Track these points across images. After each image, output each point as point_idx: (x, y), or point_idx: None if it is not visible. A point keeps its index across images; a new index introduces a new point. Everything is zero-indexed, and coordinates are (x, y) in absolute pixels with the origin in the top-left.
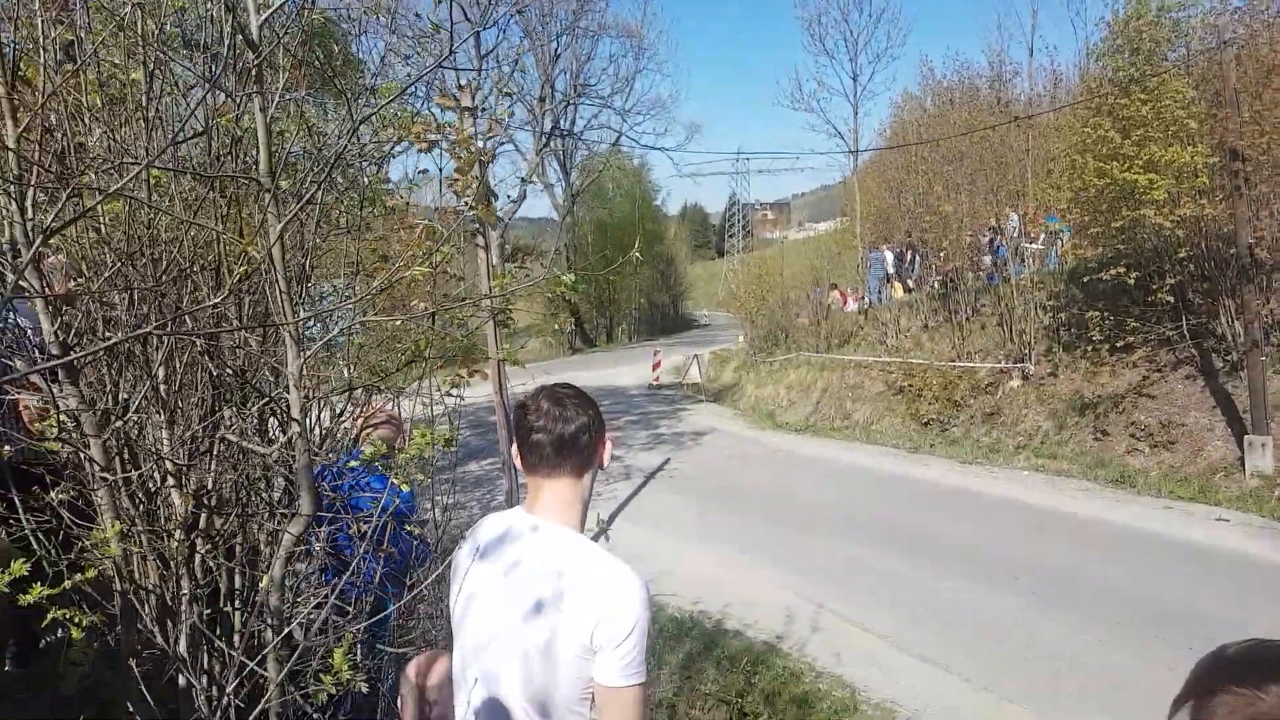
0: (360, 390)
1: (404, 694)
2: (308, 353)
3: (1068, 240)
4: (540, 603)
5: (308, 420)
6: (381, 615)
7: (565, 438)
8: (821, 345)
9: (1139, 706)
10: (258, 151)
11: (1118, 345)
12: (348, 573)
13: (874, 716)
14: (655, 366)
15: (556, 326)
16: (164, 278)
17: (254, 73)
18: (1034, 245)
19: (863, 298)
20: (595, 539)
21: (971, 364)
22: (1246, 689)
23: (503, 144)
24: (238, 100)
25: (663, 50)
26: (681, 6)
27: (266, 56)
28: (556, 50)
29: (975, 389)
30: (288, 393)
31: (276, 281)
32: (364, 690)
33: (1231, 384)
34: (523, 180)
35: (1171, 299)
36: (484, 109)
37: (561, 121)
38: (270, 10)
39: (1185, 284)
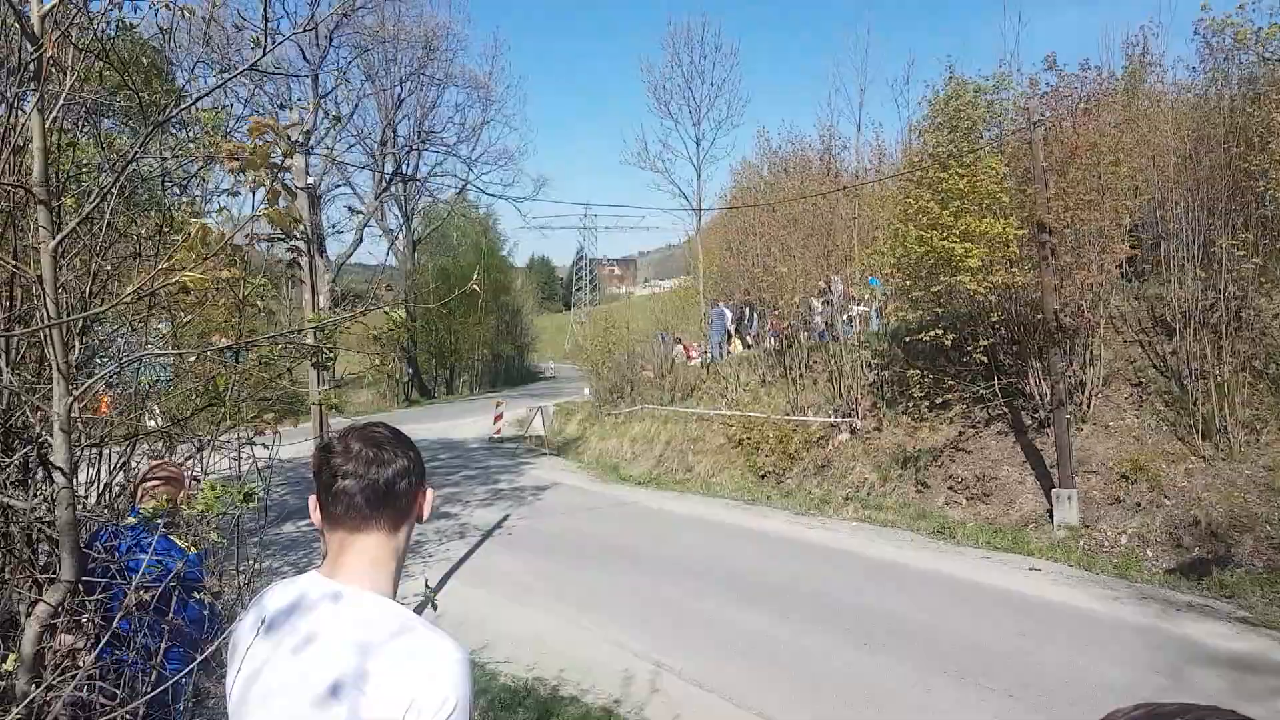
0: (146, 439)
1: None
2: (78, 391)
3: (886, 302)
4: (337, 685)
5: (74, 470)
6: (152, 695)
7: (380, 485)
8: (666, 398)
9: None
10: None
11: (936, 401)
12: (121, 648)
13: None
14: (497, 419)
15: (389, 375)
16: None
17: (32, 68)
18: (859, 306)
19: (705, 352)
20: (420, 610)
21: (804, 418)
22: None
23: (338, 185)
24: (11, 100)
25: (510, 104)
26: (530, 63)
27: (48, 53)
28: (400, 95)
29: (808, 442)
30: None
31: (45, 308)
32: None
33: (1039, 440)
34: (351, 210)
35: (985, 359)
36: (314, 148)
37: (404, 166)
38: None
39: (997, 345)
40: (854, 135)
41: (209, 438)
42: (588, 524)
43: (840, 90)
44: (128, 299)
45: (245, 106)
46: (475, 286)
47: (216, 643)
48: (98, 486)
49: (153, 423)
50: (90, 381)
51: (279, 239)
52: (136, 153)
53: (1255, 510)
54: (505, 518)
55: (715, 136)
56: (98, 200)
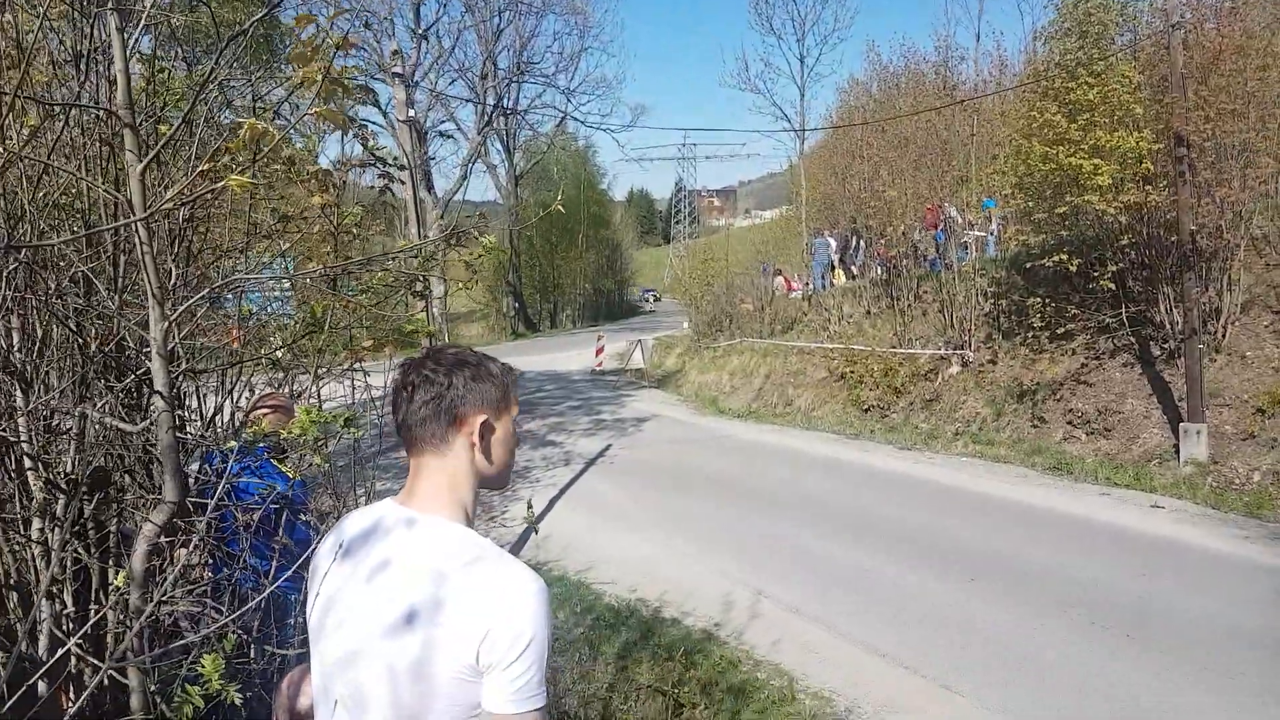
0: (252, 366)
1: (276, 712)
2: (174, 315)
3: (1006, 225)
4: (412, 612)
5: (174, 395)
6: (261, 608)
7: (442, 406)
8: (765, 331)
9: (1075, 692)
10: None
11: (1057, 332)
12: (231, 567)
13: (811, 706)
14: (598, 352)
15: (496, 309)
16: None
17: None
18: (974, 231)
19: (807, 284)
20: (524, 535)
21: (912, 350)
22: None
23: (443, 121)
24: (91, 20)
25: (608, 30)
26: None
27: None
28: (499, 26)
29: (915, 375)
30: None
31: (136, 231)
32: (237, 702)
33: (1168, 372)
34: (443, 134)
35: (1112, 286)
36: (419, 82)
37: (505, 100)
38: None
39: (1126, 271)
40: (972, 46)
41: (310, 366)
42: (687, 455)
43: None
44: (167, 205)
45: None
46: (560, 207)
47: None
48: (202, 414)
49: (278, 353)
50: (184, 307)
51: (369, 164)
52: (213, 70)
53: None
54: (607, 447)
55: (820, 52)
56: (181, 122)
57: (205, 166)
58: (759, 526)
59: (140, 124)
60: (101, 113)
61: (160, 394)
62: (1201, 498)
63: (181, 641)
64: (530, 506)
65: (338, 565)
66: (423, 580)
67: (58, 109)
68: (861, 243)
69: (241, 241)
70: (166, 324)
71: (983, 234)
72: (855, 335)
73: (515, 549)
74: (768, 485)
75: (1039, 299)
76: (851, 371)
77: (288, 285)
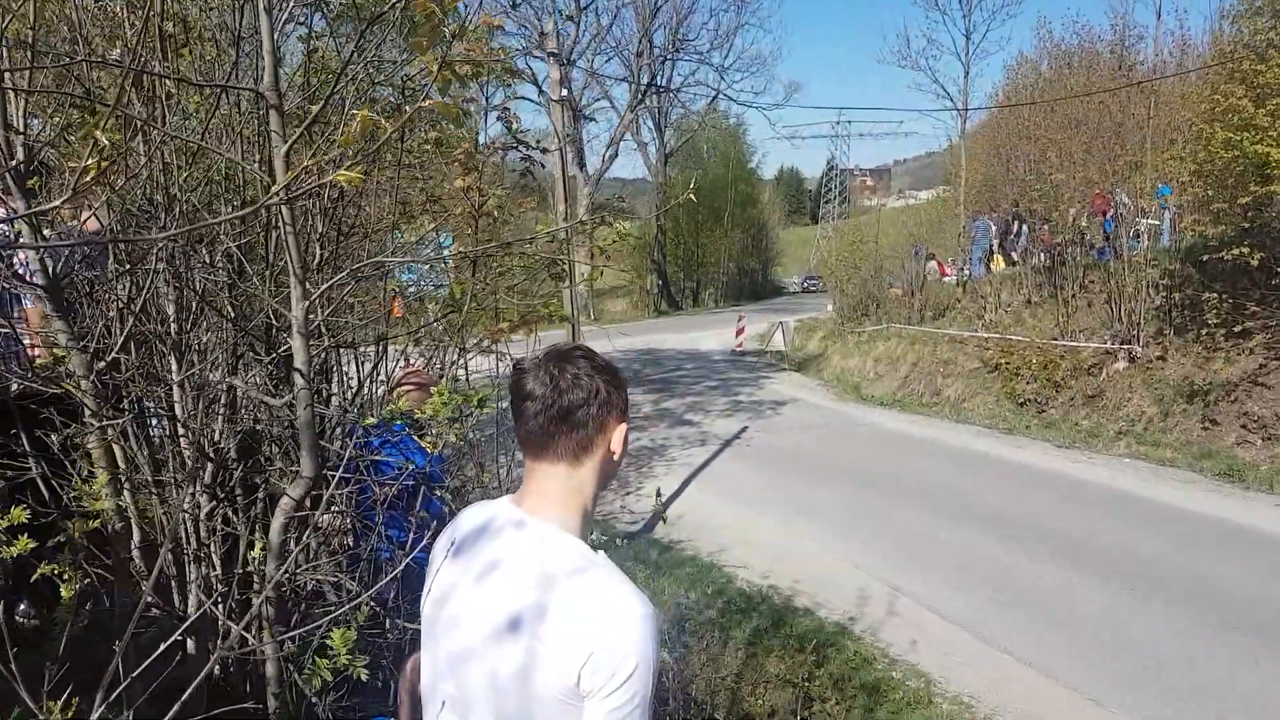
0: (397, 341)
1: (400, 694)
2: (316, 294)
3: (1182, 215)
4: (517, 618)
5: (315, 371)
6: (382, 584)
7: (563, 409)
8: (914, 317)
9: (1235, 714)
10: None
11: (1235, 330)
12: (365, 539)
13: (949, 711)
14: (739, 333)
15: (640, 286)
16: (173, 203)
17: None
18: (1148, 220)
19: (961, 269)
20: (654, 518)
21: (1075, 343)
22: None
23: (598, 99)
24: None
25: (766, 4)
26: None
27: None
28: (656, 3)
29: (1077, 370)
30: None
31: (279, 213)
32: (363, 678)
33: None
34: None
35: None
36: (576, 60)
37: (658, 77)
38: None
39: None
40: (1153, 24)
41: (454, 343)
42: (826, 442)
43: None
44: (273, 201)
45: (507, 19)
46: (692, 197)
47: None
48: (347, 388)
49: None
50: (324, 287)
51: (513, 147)
52: (352, 54)
53: None
54: (744, 429)
55: (988, 28)
56: (325, 103)
57: (333, 154)
58: (900, 520)
59: (296, 104)
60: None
61: (300, 371)
62: None
63: (314, 613)
64: (660, 493)
65: (450, 562)
66: (529, 585)
67: (209, 90)
68: (1024, 228)
69: (391, 220)
70: (307, 303)
71: (1156, 223)
72: (1013, 325)
73: (646, 529)
74: (911, 477)
75: (1215, 294)
76: (1007, 363)
77: (444, 260)
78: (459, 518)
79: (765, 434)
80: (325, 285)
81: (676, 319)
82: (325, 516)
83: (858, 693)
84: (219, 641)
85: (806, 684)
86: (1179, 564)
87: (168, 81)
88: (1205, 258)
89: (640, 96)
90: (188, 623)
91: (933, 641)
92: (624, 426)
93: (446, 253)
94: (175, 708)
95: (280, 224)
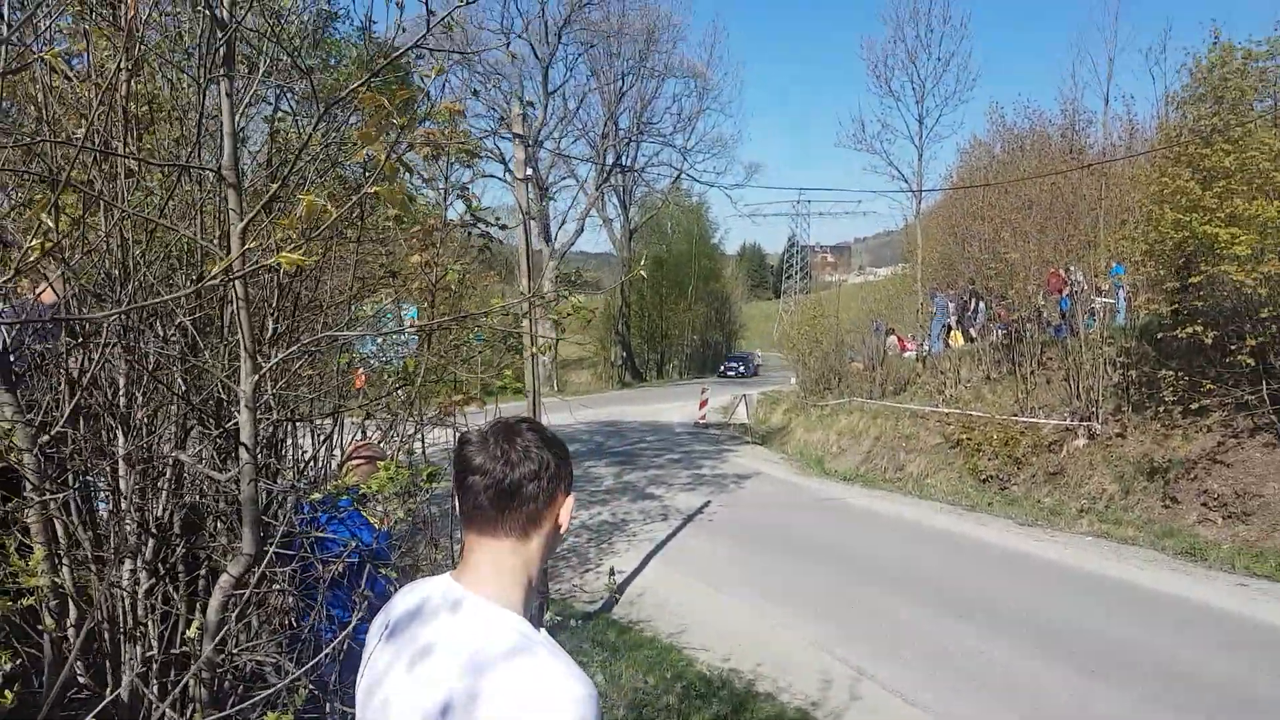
0: (350, 416)
1: None
2: (266, 368)
3: (1136, 293)
4: (448, 706)
5: (259, 445)
6: (317, 659)
7: (507, 484)
8: (876, 392)
9: None
10: (222, 142)
11: (1192, 407)
12: (308, 618)
13: None
14: (702, 405)
15: (605, 358)
16: (129, 278)
17: (221, 53)
18: (1102, 299)
19: (921, 344)
20: (607, 603)
21: (1035, 419)
22: None
23: (564, 178)
24: (202, 85)
25: (726, 91)
26: (747, 47)
27: (238, 37)
28: (621, 89)
29: (1038, 446)
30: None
31: (234, 288)
32: None
33: None
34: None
35: (1251, 362)
36: (544, 143)
37: (623, 158)
38: None
39: (1267, 345)
40: (1101, 109)
41: (406, 416)
42: (789, 517)
43: (1085, 60)
44: (215, 280)
45: (476, 100)
46: (643, 274)
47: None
48: (296, 463)
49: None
50: (270, 363)
51: (472, 225)
52: (311, 134)
53: None
54: (706, 504)
55: (940, 113)
56: (281, 182)
57: (282, 234)
58: (864, 599)
59: (260, 183)
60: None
61: (245, 446)
62: None
63: (253, 694)
64: (613, 572)
65: (383, 645)
66: (462, 670)
67: (171, 169)
68: (981, 305)
69: (349, 294)
70: (256, 377)
71: (1111, 301)
72: (973, 400)
73: (604, 609)
74: (875, 555)
75: (1172, 371)
76: (969, 439)
77: (401, 333)
78: (394, 598)
79: (728, 508)
80: (276, 359)
81: (640, 390)
82: (271, 595)
83: None
84: None
85: None
86: (1145, 646)
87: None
88: (1160, 335)
89: (605, 175)
90: (104, 701)
91: None
92: (571, 499)
93: (407, 325)
94: None
95: (234, 298)
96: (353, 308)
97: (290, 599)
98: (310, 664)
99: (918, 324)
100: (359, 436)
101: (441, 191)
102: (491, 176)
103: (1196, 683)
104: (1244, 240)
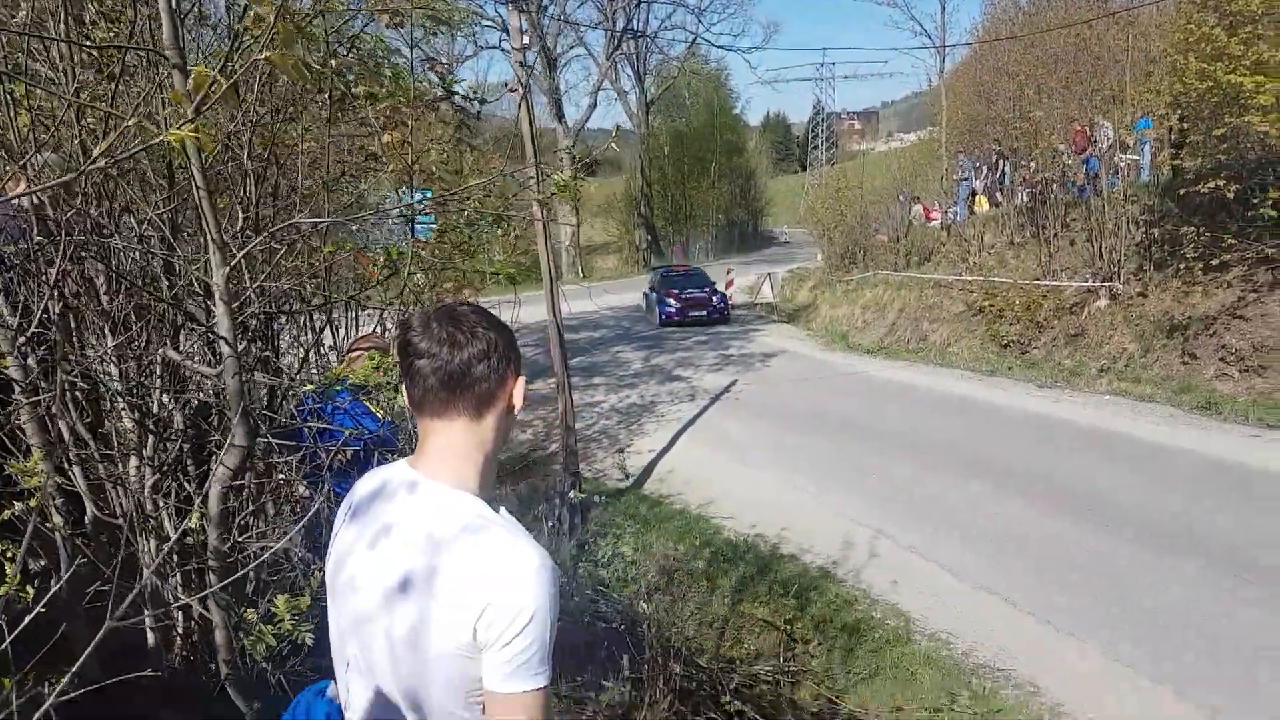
0: (331, 308)
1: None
2: (236, 258)
3: (1161, 147)
4: (407, 580)
5: (247, 339)
6: (294, 534)
7: (454, 367)
8: (900, 263)
9: (1212, 647)
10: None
11: (1212, 263)
12: (308, 504)
13: (927, 648)
14: (728, 285)
15: (629, 241)
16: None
17: None
18: (1127, 155)
19: (946, 212)
20: (636, 481)
21: (1057, 283)
22: None
23: (573, 46)
24: None
25: None
26: None
27: None
28: None
29: (1060, 309)
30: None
31: (193, 176)
32: (308, 642)
33: None
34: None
35: (1274, 214)
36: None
37: (634, 21)
38: None
39: None
40: None
41: (403, 304)
42: (814, 392)
43: None
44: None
45: None
46: (663, 147)
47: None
48: (297, 355)
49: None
50: (241, 254)
51: (445, 99)
52: (245, 12)
53: None
54: (733, 383)
55: None
56: (223, 60)
57: (131, 122)
58: (884, 466)
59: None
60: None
61: (225, 339)
62: None
63: (272, 582)
64: (621, 451)
65: (347, 527)
66: (420, 547)
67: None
68: (1007, 167)
69: (325, 179)
70: (227, 269)
71: (1135, 158)
72: (996, 267)
73: (635, 485)
74: (896, 425)
75: (1193, 228)
76: (991, 305)
77: (427, 219)
78: (357, 483)
79: (754, 386)
80: (241, 252)
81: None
82: (301, 489)
83: (838, 633)
84: (174, 613)
85: (789, 627)
86: (1154, 499)
87: (78, 48)
88: (1183, 192)
89: (616, 42)
90: (131, 594)
91: (913, 582)
92: (522, 380)
93: (367, 213)
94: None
95: (195, 189)
96: (335, 193)
97: (302, 489)
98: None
99: (943, 190)
100: (377, 329)
101: (410, 63)
102: (494, 48)
103: (1211, 532)
104: (1269, 89)
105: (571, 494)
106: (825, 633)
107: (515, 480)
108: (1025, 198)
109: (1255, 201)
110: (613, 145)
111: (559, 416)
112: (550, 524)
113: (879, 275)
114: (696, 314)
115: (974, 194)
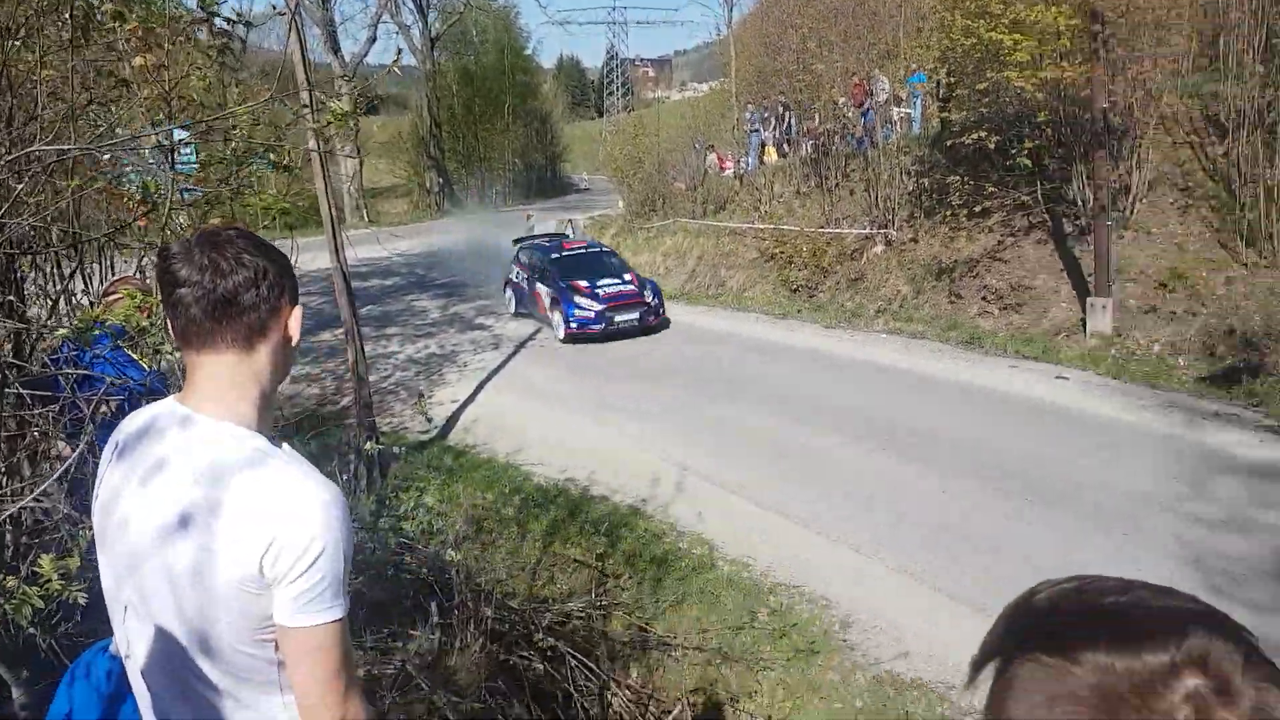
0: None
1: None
2: None
3: (930, 101)
4: (186, 517)
5: None
6: (51, 484)
7: (220, 295)
8: (698, 212)
9: (977, 552)
10: None
11: (975, 210)
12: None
13: (729, 572)
14: (528, 231)
15: (419, 184)
16: None
17: None
18: (901, 109)
19: (739, 161)
20: (436, 430)
21: (839, 230)
22: (1054, 657)
23: None
24: None
25: None
26: None
27: None
28: None
29: (842, 255)
30: None
31: None
32: (80, 602)
33: (1079, 248)
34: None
35: (1029, 164)
36: None
37: None
38: None
39: (1043, 149)
40: None
41: (146, 249)
42: (617, 338)
43: None
44: None
45: None
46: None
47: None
48: (47, 300)
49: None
50: None
51: (204, 19)
52: None
53: None
54: (538, 330)
55: None
56: None
57: None
58: (687, 405)
59: None
60: None
61: None
62: (1104, 369)
63: (40, 544)
64: (421, 396)
65: (114, 466)
66: (197, 482)
67: None
68: (793, 119)
69: (71, 107)
70: None
71: (908, 111)
72: (786, 215)
73: (440, 436)
74: (697, 365)
75: (959, 177)
76: (781, 252)
77: (188, 155)
78: (122, 422)
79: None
80: None
81: (462, 219)
82: (62, 446)
83: (648, 565)
84: None
85: (601, 563)
86: (927, 423)
87: None
88: (950, 143)
89: None
90: None
91: (717, 512)
92: (299, 310)
93: (113, 141)
94: None
95: None
96: (81, 122)
97: (62, 443)
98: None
99: (735, 141)
100: (137, 275)
101: None
102: None
103: (979, 451)
104: (1025, 47)
105: (368, 446)
106: (635, 566)
107: (303, 436)
108: (809, 149)
109: (1013, 152)
110: (395, 70)
111: (349, 368)
112: (345, 479)
113: (678, 223)
114: (626, 320)
115: (764, 145)
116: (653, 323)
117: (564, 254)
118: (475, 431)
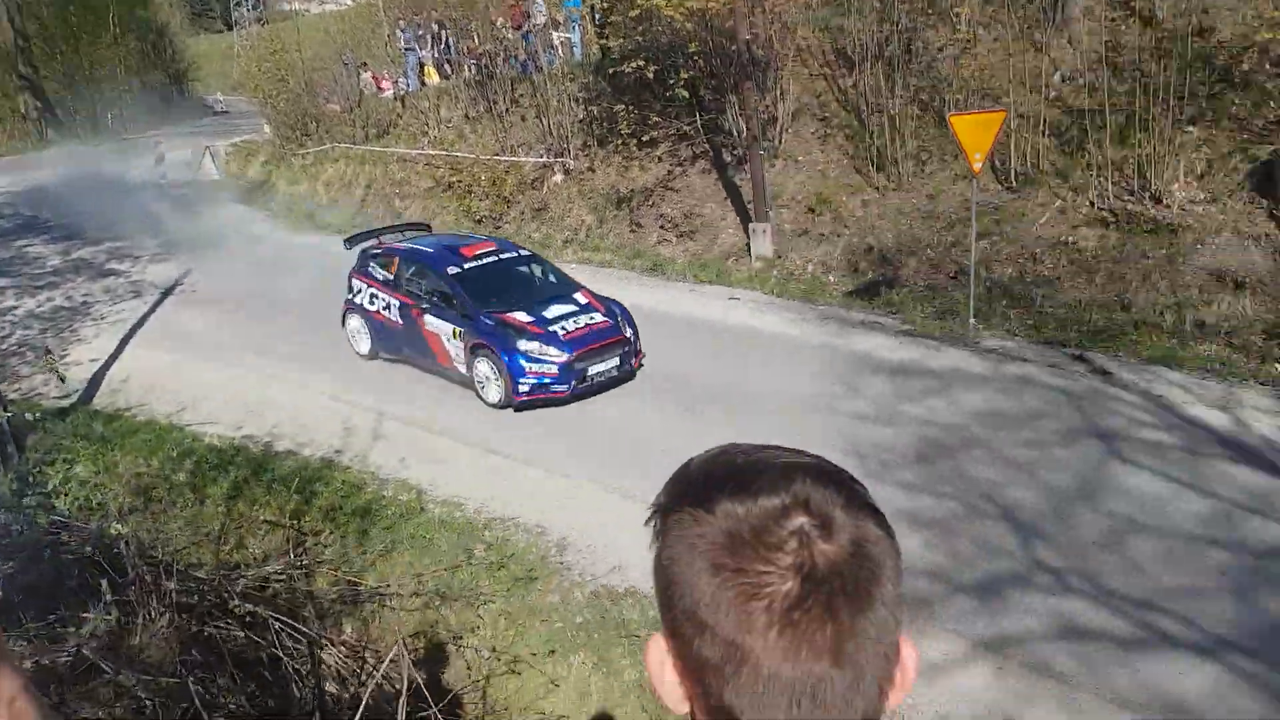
0: None
1: None
2: None
3: (586, 27)
4: None
5: None
6: None
7: None
8: (359, 136)
9: (676, 463)
10: None
11: (644, 140)
12: None
13: (440, 514)
14: (158, 160)
15: (12, 110)
16: None
17: None
18: (560, 33)
19: (397, 82)
20: (81, 396)
21: (516, 158)
22: (695, 509)
23: None
24: None
25: None
26: None
27: None
28: None
29: (523, 184)
30: None
31: None
32: None
33: (739, 176)
34: None
35: (686, 94)
36: None
37: None
38: None
39: (698, 80)
40: None
41: None
42: (281, 276)
43: None
44: None
45: None
46: None
47: None
48: None
49: None
50: None
51: None
52: None
53: (918, 235)
54: (186, 273)
55: None
56: None
57: None
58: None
59: None
60: None
61: None
62: (769, 289)
63: None
64: (49, 352)
65: None
66: None
67: None
68: (451, 39)
69: None
70: None
71: (568, 35)
72: (457, 141)
73: (82, 401)
74: None
75: (624, 106)
76: (459, 180)
77: None
78: None
79: (213, 275)
80: None
81: (71, 148)
82: None
83: (350, 518)
84: None
85: (296, 522)
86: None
87: None
88: (612, 71)
89: None
90: None
91: (422, 455)
92: None
93: None
94: None
95: None
96: None
97: None
98: None
99: (390, 60)
100: None
101: None
102: None
103: (665, 371)
104: None
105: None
106: (336, 520)
107: None
108: (473, 70)
109: (672, 82)
110: None
111: None
112: None
113: (338, 149)
114: (603, 371)
115: (423, 65)
116: (633, 368)
117: (468, 265)
118: (127, 392)
